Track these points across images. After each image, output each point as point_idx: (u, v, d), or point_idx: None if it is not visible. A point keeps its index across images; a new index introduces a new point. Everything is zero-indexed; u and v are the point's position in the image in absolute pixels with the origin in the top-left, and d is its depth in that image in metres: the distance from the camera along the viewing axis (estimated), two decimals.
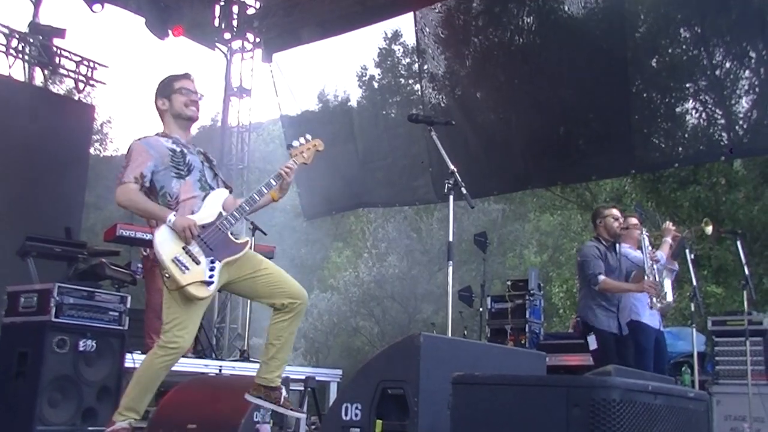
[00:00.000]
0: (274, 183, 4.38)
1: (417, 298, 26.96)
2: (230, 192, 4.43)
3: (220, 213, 4.23)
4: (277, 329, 4.30)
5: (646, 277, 6.34)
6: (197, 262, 4.07)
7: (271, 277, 4.33)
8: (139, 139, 4.23)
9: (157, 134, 4.33)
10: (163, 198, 4.16)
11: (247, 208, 4.29)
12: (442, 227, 25.05)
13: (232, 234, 4.26)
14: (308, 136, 4.64)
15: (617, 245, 6.62)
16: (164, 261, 4.01)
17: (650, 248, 6.51)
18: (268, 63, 12.25)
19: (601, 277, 6.28)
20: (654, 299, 6.33)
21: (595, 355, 6.38)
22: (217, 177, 4.43)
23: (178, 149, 4.25)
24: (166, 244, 4.04)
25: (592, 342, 6.32)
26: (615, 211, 6.70)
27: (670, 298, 6.56)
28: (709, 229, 7.16)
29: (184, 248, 4.05)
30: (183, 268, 4.02)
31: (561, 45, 9.54)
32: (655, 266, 6.43)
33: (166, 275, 4.00)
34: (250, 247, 7.12)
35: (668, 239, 6.83)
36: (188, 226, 4.03)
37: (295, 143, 4.56)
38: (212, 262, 4.11)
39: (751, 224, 15.02)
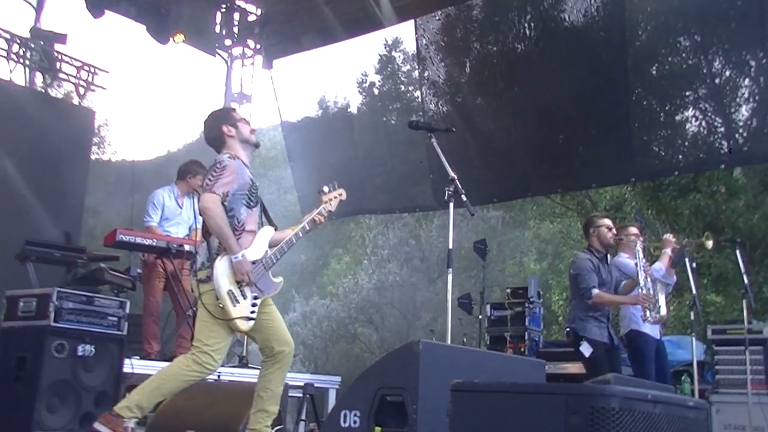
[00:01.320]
0: (308, 227, 4.71)
1: (416, 305, 26.96)
2: (275, 229, 4.70)
3: (266, 251, 4.52)
4: (266, 380, 4.50)
5: (639, 290, 6.34)
6: (245, 297, 4.35)
7: (273, 319, 4.56)
8: (233, 159, 4.48)
9: (238, 158, 4.55)
10: (231, 221, 4.38)
11: (286, 250, 4.58)
12: (441, 234, 25.06)
13: (271, 272, 4.53)
14: (335, 184, 4.95)
15: (608, 256, 6.58)
16: (221, 292, 4.26)
17: (645, 261, 6.49)
18: (268, 69, 12.26)
19: (595, 291, 6.25)
20: (648, 312, 6.33)
21: (586, 363, 6.35)
22: (263, 213, 4.69)
23: (255, 181, 4.58)
24: (225, 277, 4.29)
25: (587, 349, 6.30)
26: (608, 221, 6.65)
27: (664, 311, 6.53)
28: (710, 244, 7.18)
29: (237, 282, 4.32)
30: (235, 302, 4.30)
31: (561, 53, 9.55)
32: (648, 279, 6.41)
33: (220, 305, 4.24)
34: None
35: (668, 251, 6.82)
36: (248, 272, 4.30)
37: (326, 188, 4.88)
38: (255, 298, 4.40)
39: (751, 232, 15.01)
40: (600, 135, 9.49)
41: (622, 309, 6.90)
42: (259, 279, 4.41)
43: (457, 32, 10.75)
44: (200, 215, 4.46)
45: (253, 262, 4.39)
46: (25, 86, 9.84)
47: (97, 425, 4.14)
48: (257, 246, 4.49)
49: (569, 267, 6.81)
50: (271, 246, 4.57)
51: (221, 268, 4.29)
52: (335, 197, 4.88)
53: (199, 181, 7.28)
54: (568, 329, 6.60)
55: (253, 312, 4.36)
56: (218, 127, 4.65)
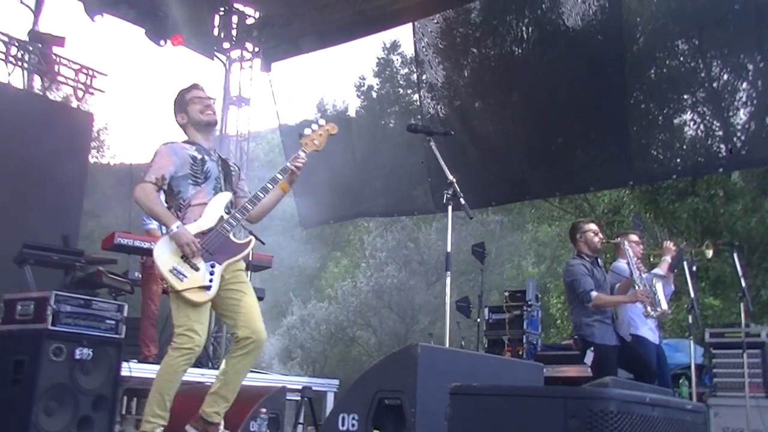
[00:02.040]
0: (280, 177, 4.50)
1: (414, 309, 26.96)
2: (234, 194, 4.55)
3: (221, 217, 4.37)
4: (228, 365, 4.40)
5: (636, 287, 6.32)
6: (196, 269, 4.23)
7: (243, 303, 4.40)
8: (165, 144, 4.45)
9: (183, 141, 4.53)
10: (177, 201, 4.38)
11: (251, 207, 4.43)
12: (440, 238, 25.07)
13: (234, 236, 4.38)
14: (321, 121, 4.72)
15: (598, 259, 6.57)
16: (163, 272, 4.20)
17: (635, 258, 6.47)
18: (267, 72, 12.27)
19: (594, 294, 6.23)
20: (648, 308, 6.30)
21: (594, 369, 6.35)
22: (230, 184, 4.55)
23: (199, 156, 4.44)
24: (164, 256, 4.22)
25: (589, 357, 6.29)
26: (594, 226, 6.61)
27: (665, 305, 6.51)
28: (710, 253, 7.21)
29: (182, 257, 4.21)
30: (181, 276, 4.17)
31: (559, 56, 9.56)
32: (643, 276, 6.40)
33: (164, 285, 4.21)
34: (249, 257, 7.12)
35: (667, 258, 6.82)
36: (189, 242, 4.19)
37: (307, 131, 4.65)
38: (212, 266, 4.25)
39: (749, 236, 15.03)
40: (598, 138, 9.50)
41: (620, 314, 6.89)
42: (216, 246, 4.27)
43: (456, 35, 10.76)
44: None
45: (205, 232, 4.28)
46: (23, 89, 9.83)
47: None
48: (209, 214, 4.36)
49: (564, 275, 6.78)
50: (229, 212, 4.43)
51: (158, 250, 4.25)
52: (320, 134, 4.67)
53: None
54: (575, 337, 6.57)
55: (211, 280, 4.22)
56: (175, 117, 4.64)
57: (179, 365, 4.18)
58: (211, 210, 4.38)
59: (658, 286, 6.52)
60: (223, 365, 4.45)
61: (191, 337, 4.18)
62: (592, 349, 6.26)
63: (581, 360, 6.45)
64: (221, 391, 4.36)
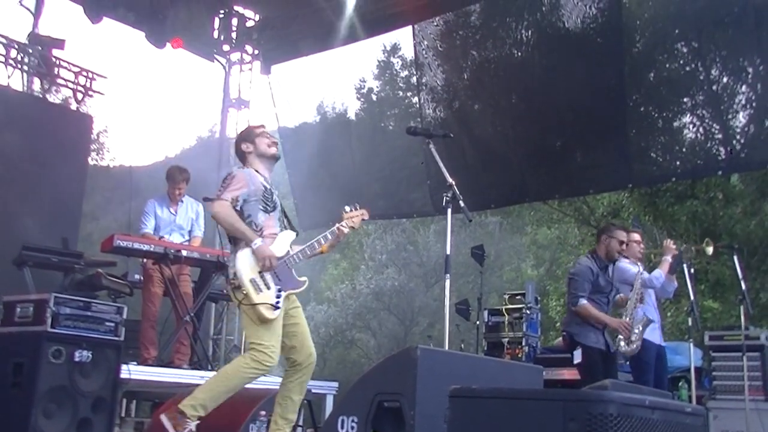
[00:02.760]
0: (329, 237, 4.91)
1: (414, 311, 26.96)
2: (296, 235, 4.96)
3: (288, 251, 4.76)
4: (287, 389, 4.75)
5: (624, 316, 6.35)
6: (268, 287, 4.57)
7: (300, 330, 4.80)
8: (241, 169, 4.90)
9: (250, 167, 4.91)
10: (248, 226, 4.66)
11: (309, 253, 4.83)
12: (438, 240, 25.07)
13: (294, 272, 4.77)
14: (357, 205, 5.20)
15: (609, 268, 6.53)
16: (243, 279, 4.52)
17: (641, 290, 6.49)
18: (266, 75, 12.27)
19: (582, 302, 6.21)
20: (622, 342, 6.32)
21: (580, 369, 6.33)
22: (286, 219, 4.96)
23: (269, 186, 4.85)
24: (246, 266, 4.55)
25: (578, 356, 6.29)
26: (624, 235, 6.48)
27: (634, 347, 6.43)
28: (710, 250, 7.19)
29: (259, 272, 4.57)
30: (258, 289, 4.52)
31: (558, 59, 9.56)
32: (637, 310, 6.41)
33: (243, 292, 4.48)
34: None
35: (668, 258, 6.81)
36: (270, 256, 4.56)
37: (347, 208, 5.11)
38: (279, 290, 4.61)
39: (749, 239, 15.03)
40: (597, 141, 9.49)
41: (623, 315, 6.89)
42: (282, 275, 4.63)
43: (455, 38, 10.76)
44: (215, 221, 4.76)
45: (276, 259, 4.62)
46: (22, 91, 9.82)
47: (163, 418, 4.36)
48: (278, 245, 4.72)
49: (570, 269, 6.78)
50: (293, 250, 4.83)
51: (241, 258, 4.55)
52: (357, 216, 5.11)
53: (175, 191, 7.61)
54: (564, 333, 6.57)
55: (278, 302, 4.54)
56: (239, 146, 5.03)
57: (249, 377, 4.47)
58: (281, 242, 4.75)
59: (640, 327, 6.47)
60: (281, 391, 4.75)
61: (272, 357, 4.46)
62: (578, 348, 6.27)
63: (577, 363, 6.44)
64: (287, 414, 4.69)
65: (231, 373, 4.52)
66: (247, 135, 5.05)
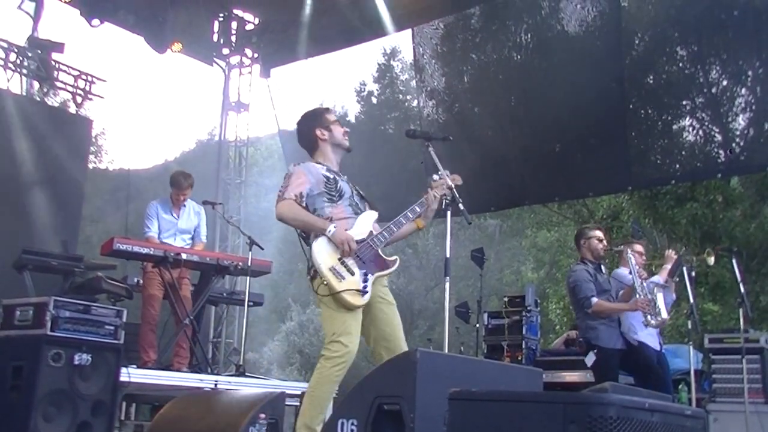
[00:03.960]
0: (418, 209, 4.66)
1: (413, 314, 26.94)
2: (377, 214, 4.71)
3: (371, 231, 4.54)
4: None
5: (637, 295, 6.34)
6: (352, 273, 4.35)
7: (391, 320, 4.61)
8: (298, 164, 4.64)
9: (312, 161, 4.69)
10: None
11: (395, 230, 4.60)
12: (438, 243, 25.06)
13: (382, 252, 4.53)
14: (446, 172, 4.81)
15: (602, 266, 6.58)
16: (322, 269, 4.30)
17: (637, 266, 6.49)
18: (266, 78, 12.28)
19: (594, 300, 6.25)
20: (648, 316, 6.31)
21: (596, 371, 6.36)
22: (365, 201, 4.74)
23: (332, 176, 4.61)
24: (323, 254, 4.34)
25: (590, 358, 6.31)
26: (599, 233, 6.65)
27: (664, 314, 6.51)
28: (712, 260, 7.21)
29: (339, 259, 4.34)
30: (339, 276, 4.30)
31: (558, 62, 9.57)
32: (644, 284, 6.41)
33: (324, 282, 4.27)
34: (248, 262, 7.14)
35: (668, 266, 6.83)
36: (347, 240, 4.33)
37: (435, 176, 4.78)
38: (365, 274, 4.40)
39: (748, 242, 15.05)
40: (597, 144, 9.50)
41: (622, 320, 6.90)
42: (367, 257, 4.43)
43: (455, 41, 10.77)
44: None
45: (357, 242, 4.40)
46: (22, 95, 9.83)
47: None
48: (360, 227, 4.53)
49: (566, 280, 6.80)
50: (376, 230, 4.58)
51: (317, 247, 4.35)
52: (447, 180, 4.73)
53: (179, 197, 7.53)
54: (580, 340, 6.59)
55: (365, 286, 4.35)
56: (311, 131, 4.77)
57: (334, 375, 4.27)
58: (361, 224, 4.56)
59: (659, 295, 6.51)
60: None
61: (344, 343, 4.29)
62: (595, 351, 6.29)
63: (581, 365, 6.46)
64: None
65: (316, 381, 4.31)
66: (322, 120, 4.78)
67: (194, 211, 7.79)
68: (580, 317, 6.57)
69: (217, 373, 8.44)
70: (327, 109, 4.88)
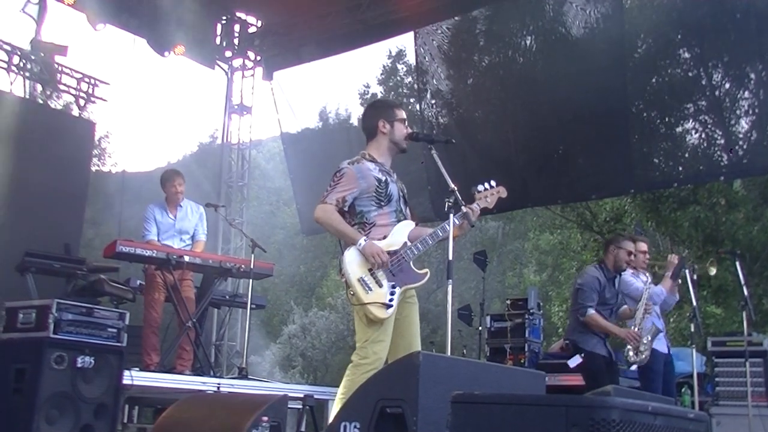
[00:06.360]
0: (457, 221, 4.57)
1: None
2: (416, 224, 4.70)
3: (405, 243, 4.52)
4: None
5: (632, 327, 6.36)
6: (380, 285, 4.36)
7: (409, 329, 4.56)
8: (352, 164, 4.60)
9: (365, 157, 4.64)
10: (360, 220, 4.52)
11: (430, 242, 4.58)
12: (439, 245, 24.95)
13: (413, 264, 4.52)
14: (493, 183, 4.81)
15: (617, 278, 6.54)
16: (351, 279, 4.34)
17: (649, 302, 6.50)
18: (268, 81, 12.28)
19: (591, 311, 6.23)
20: (631, 352, 6.34)
21: (584, 375, 6.36)
22: (407, 207, 4.72)
23: (384, 178, 4.60)
24: (354, 265, 4.37)
25: (573, 361, 6.31)
26: (632, 246, 6.51)
27: (643, 357, 6.47)
28: (713, 270, 7.22)
29: (370, 270, 4.36)
30: (367, 288, 4.33)
31: (561, 65, 9.57)
32: (645, 319, 6.43)
33: (351, 293, 4.31)
34: (251, 265, 7.13)
35: (668, 273, 6.82)
36: (377, 253, 4.35)
37: (480, 188, 4.77)
38: (393, 287, 4.39)
39: (751, 244, 15.04)
40: (600, 147, 9.50)
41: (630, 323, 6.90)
42: (398, 269, 4.42)
43: (458, 44, 10.77)
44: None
45: (391, 253, 4.41)
46: (25, 98, 9.85)
47: None
48: (393, 237, 4.51)
49: (576, 278, 6.78)
50: (411, 240, 4.55)
51: (348, 257, 4.38)
52: (493, 194, 4.78)
53: (173, 189, 7.50)
54: (567, 341, 6.59)
55: (391, 300, 4.35)
56: (375, 120, 4.73)
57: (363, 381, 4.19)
58: (397, 234, 4.54)
59: (649, 337, 6.49)
60: None
61: (372, 350, 4.29)
62: (582, 354, 6.28)
63: (583, 369, 6.44)
64: None
65: (348, 388, 4.25)
66: (389, 113, 4.74)
67: (194, 211, 7.80)
68: (573, 317, 6.57)
69: (220, 375, 8.45)
70: (398, 105, 4.87)
